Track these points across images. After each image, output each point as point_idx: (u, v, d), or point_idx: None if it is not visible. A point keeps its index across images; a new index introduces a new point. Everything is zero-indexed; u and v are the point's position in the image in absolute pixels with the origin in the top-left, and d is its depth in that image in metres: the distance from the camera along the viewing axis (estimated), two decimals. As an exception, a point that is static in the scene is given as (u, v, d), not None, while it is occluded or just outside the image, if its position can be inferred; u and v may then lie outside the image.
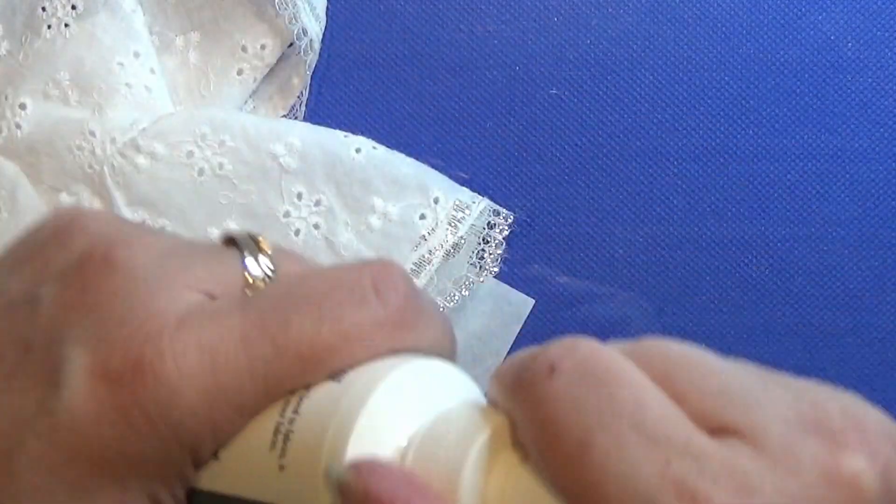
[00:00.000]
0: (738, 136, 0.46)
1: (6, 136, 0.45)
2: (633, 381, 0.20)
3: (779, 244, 0.46)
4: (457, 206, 0.45)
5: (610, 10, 0.47)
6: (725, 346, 0.49)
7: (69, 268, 0.24)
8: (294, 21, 0.46)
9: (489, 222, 0.46)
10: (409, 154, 0.46)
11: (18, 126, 0.45)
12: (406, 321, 0.23)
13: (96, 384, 0.22)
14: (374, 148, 0.45)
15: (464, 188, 0.46)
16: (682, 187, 0.47)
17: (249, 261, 0.24)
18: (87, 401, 0.22)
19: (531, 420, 0.20)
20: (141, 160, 0.44)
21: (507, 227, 0.46)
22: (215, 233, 0.45)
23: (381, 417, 0.21)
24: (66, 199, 0.45)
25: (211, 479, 0.23)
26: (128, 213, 0.44)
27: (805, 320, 0.46)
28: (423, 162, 0.46)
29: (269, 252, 0.24)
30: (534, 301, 0.47)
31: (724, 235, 0.46)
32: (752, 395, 0.20)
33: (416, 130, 0.47)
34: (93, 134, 0.44)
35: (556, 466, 0.20)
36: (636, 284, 0.46)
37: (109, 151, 0.44)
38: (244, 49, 0.46)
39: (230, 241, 0.25)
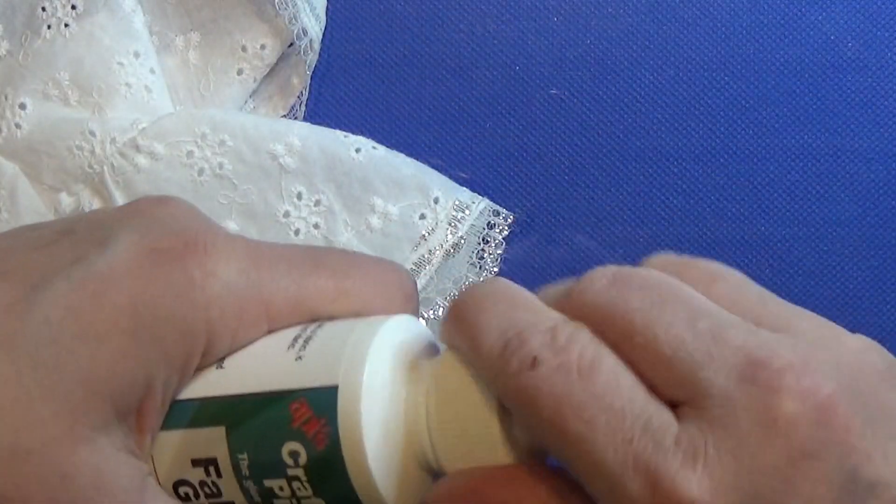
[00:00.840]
0: (738, 136, 0.46)
1: (6, 136, 0.45)
2: (606, 369, 0.22)
3: (779, 244, 0.46)
4: (457, 206, 0.45)
5: (610, 10, 0.47)
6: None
7: (116, 207, 0.26)
8: (294, 21, 0.46)
9: (489, 222, 0.46)
10: (409, 154, 0.46)
11: (18, 126, 0.45)
12: (411, 294, 0.27)
13: (144, 252, 0.23)
14: (374, 148, 0.45)
15: (464, 188, 0.46)
16: (682, 187, 0.47)
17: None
18: (130, 259, 0.23)
19: (513, 400, 0.22)
20: (141, 160, 0.44)
21: (507, 227, 0.46)
22: None
23: (395, 334, 0.24)
24: (65, 198, 0.45)
25: (207, 387, 0.24)
26: None
27: (805, 320, 0.46)
28: (423, 162, 0.46)
29: None
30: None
31: (724, 235, 0.46)
32: (700, 355, 0.21)
33: (416, 130, 0.47)
34: (93, 134, 0.44)
35: (538, 435, 0.22)
36: (636, 284, 0.47)
37: (109, 151, 0.44)
38: (244, 49, 0.46)
39: None
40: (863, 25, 0.46)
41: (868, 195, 0.46)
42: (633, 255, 0.47)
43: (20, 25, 0.45)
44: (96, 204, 0.45)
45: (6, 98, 0.45)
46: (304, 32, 0.46)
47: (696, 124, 0.46)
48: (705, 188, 0.46)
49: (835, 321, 0.46)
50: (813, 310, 0.46)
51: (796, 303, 0.48)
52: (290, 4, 0.46)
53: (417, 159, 0.46)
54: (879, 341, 0.46)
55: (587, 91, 0.47)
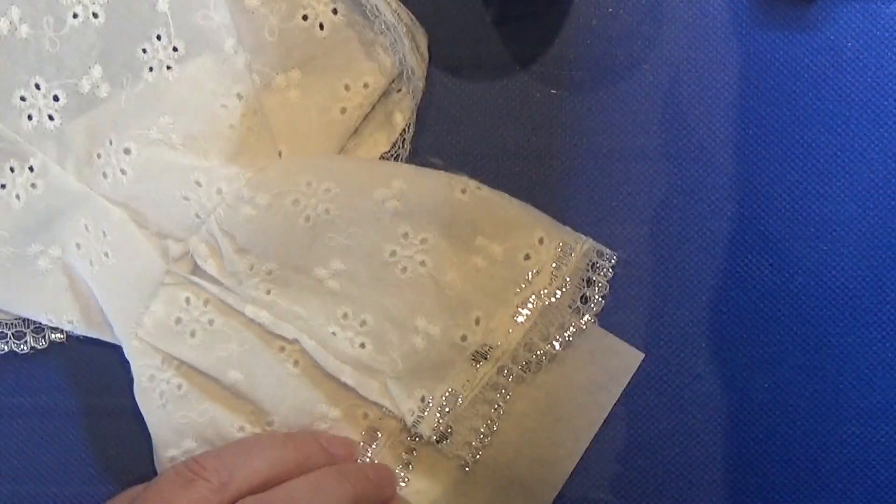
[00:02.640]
0: (739, 137, 0.46)
1: (111, 183, 0.44)
2: None
3: (779, 244, 0.46)
4: (561, 246, 0.45)
5: (610, 9, 0.47)
6: (725, 346, 0.49)
7: None
8: (403, 62, 0.45)
9: (592, 263, 0.45)
10: (408, 154, 0.46)
11: (123, 172, 0.44)
12: None
13: None
14: (479, 188, 0.45)
15: (567, 227, 0.45)
16: (682, 187, 0.46)
17: None
18: None
19: None
20: (247, 209, 0.44)
21: (611, 269, 0.46)
22: (322, 273, 0.45)
23: None
24: (173, 245, 0.45)
25: None
26: (236, 258, 0.44)
27: (805, 320, 0.46)
28: (423, 162, 0.46)
29: None
30: (643, 355, 0.46)
31: (724, 235, 0.46)
32: None
33: (416, 130, 0.47)
34: (199, 184, 0.44)
35: None
36: (636, 284, 0.46)
37: (216, 202, 0.44)
38: (346, 88, 0.45)
39: None
40: (863, 25, 0.46)
41: (868, 195, 0.46)
42: (633, 255, 0.47)
43: (120, 67, 0.44)
44: (202, 250, 0.45)
45: (110, 143, 0.44)
46: (412, 72, 0.45)
47: (697, 124, 0.46)
48: (705, 188, 0.46)
49: (835, 321, 0.46)
50: (813, 309, 0.46)
51: (796, 302, 0.48)
52: (400, 46, 0.44)
53: (418, 159, 0.46)
54: (879, 341, 0.46)
55: (587, 91, 0.47)
